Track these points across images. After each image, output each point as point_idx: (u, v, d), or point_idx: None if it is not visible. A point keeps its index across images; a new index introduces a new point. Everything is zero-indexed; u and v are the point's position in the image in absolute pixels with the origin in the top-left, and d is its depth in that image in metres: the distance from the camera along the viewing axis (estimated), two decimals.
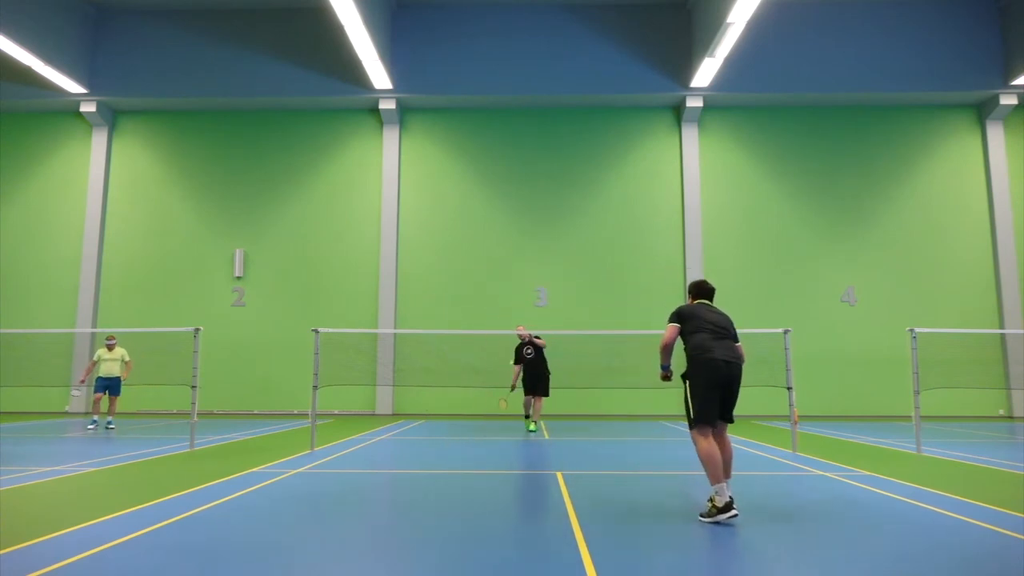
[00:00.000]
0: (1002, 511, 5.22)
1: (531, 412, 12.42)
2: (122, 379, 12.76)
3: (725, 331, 5.26)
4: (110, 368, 12.61)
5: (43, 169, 18.76)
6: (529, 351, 12.26)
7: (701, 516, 4.89)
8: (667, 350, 5.38)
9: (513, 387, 12.38)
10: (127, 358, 12.87)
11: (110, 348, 12.72)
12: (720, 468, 4.88)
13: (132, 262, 18.37)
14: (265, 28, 18.15)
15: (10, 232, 18.49)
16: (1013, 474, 7.31)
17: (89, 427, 12.43)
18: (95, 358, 12.82)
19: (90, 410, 17.50)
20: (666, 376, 5.43)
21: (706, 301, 5.55)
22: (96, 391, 12.62)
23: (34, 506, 5.52)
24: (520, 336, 12.40)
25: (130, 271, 18.33)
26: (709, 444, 4.96)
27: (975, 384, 15.72)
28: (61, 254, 18.32)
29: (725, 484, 4.82)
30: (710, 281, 5.68)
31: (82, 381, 13.35)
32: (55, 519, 4.87)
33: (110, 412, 12.72)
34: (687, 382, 5.19)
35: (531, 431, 12.16)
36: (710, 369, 5.05)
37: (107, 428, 12.63)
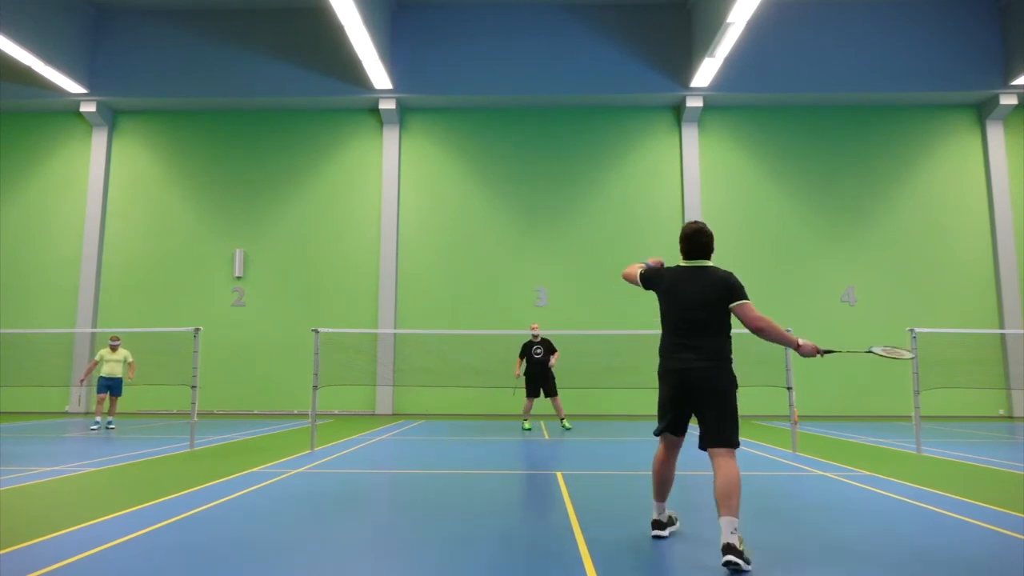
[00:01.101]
0: (1002, 511, 5.22)
1: (528, 414, 12.68)
2: (125, 380, 12.74)
3: (692, 325, 4.13)
4: (112, 369, 12.58)
5: (43, 169, 18.76)
6: (538, 351, 12.45)
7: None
8: (630, 280, 4.54)
9: (518, 375, 12.53)
10: (131, 359, 12.83)
11: (113, 349, 12.69)
12: (664, 488, 4.35)
13: (132, 262, 18.37)
14: (265, 28, 18.14)
15: (10, 232, 18.49)
16: (1013, 474, 7.31)
17: (92, 428, 12.40)
18: (97, 358, 12.78)
19: (90, 410, 17.56)
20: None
21: (696, 262, 4.26)
22: (98, 391, 12.59)
23: (34, 506, 5.52)
24: (533, 334, 12.51)
25: (130, 271, 18.33)
26: (657, 460, 4.36)
27: (975, 384, 15.72)
28: (61, 254, 18.31)
29: (661, 504, 4.38)
30: (707, 229, 4.29)
31: (81, 381, 13.26)
32: (55, 519, 4.87)
33: (111, 412, 12.71)
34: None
35: (567, 428, 12.53)
36: (662, 379, 4.29)
37: (107, 428, 12.63)
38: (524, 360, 12.48)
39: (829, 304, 17.66)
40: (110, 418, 12.73)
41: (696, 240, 4.24)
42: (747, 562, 3.68)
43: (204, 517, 4.98)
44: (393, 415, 17.31)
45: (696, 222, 4.33)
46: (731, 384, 4.15)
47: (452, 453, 9.40)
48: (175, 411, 17.22)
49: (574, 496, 5.93)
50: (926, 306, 17.37)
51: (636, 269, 4.49)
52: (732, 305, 4.09)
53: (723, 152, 18.42)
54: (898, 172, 18.14)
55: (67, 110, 18.64)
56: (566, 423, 12.65)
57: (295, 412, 17.23)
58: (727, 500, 3.85)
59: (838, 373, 17.19)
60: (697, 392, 4.08)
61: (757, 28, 16.69)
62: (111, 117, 18.78)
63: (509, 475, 7.37)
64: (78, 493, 6.15)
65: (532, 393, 12.40)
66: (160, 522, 4.75)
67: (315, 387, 9.33)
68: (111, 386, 12.59)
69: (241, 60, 18.04)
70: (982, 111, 18.04)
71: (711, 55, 15.95)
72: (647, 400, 16.46)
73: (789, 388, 9.52)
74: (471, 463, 8.23)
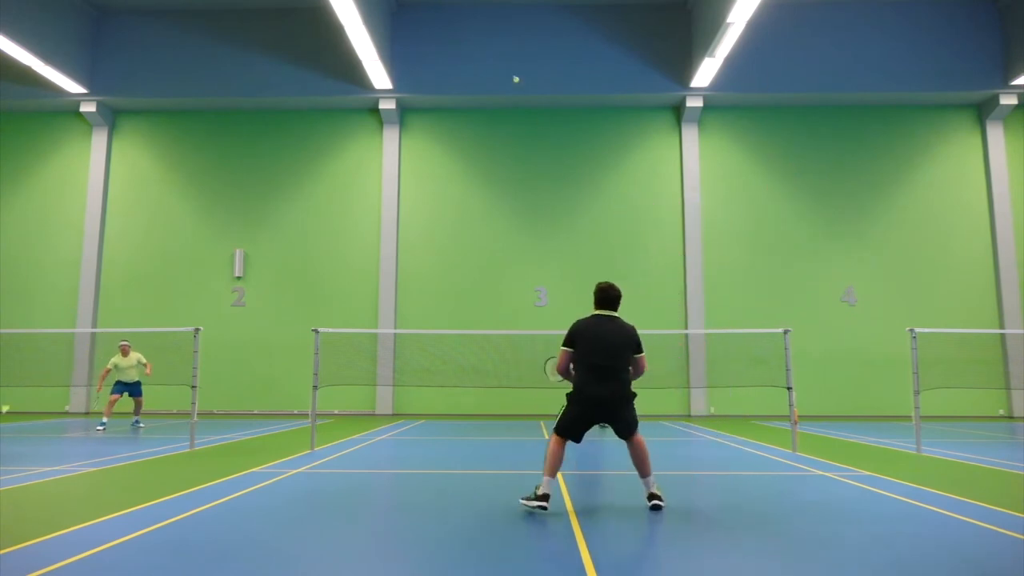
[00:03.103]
0: (1002, 511, 5.22)
1: None
2: (143, 379, 12.73)
3: (611, 365, 5.20)
4: (129, 375, 12.49)
5: (43, 169, 18.76)
6: None
7: (522, 499, 5.18)
8: (566, 376, 5.40)
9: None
10: (144, 360, 12.71)
11: (124, 353, 12.53)
12: (555, 466, 5.17)
13: (132, 262, 18.37)
14: (265, 28, 18.14)
15: (10, 232, 18.49)
16: (1013, 474, 7.31)
17: (99, 428, 12.24)
18: (110, 365, 12.53)
19: (91, 410, 17.57)
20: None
21: (610, 312, 5.42)
22: (113, 392, 12.44)
23: (34, 506, 5.52)
24: None
25: (130, 271, 18.33)
26: (557, 446, 5.22)
27: (975, 384, 15.72)
28: (61, 254, 18.31)
29: (550, 480, 5.11)
30: (617, 286, 5.50)
31: (99, 389, 12.84)
32: (55, 519, 4.87)
33: (136, 412, 12.86)
34: (567, 400, 5.32)
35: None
36: (584, 405, 5.20)
37: (134, 426, 12.75)
38: None
39: (829, 304, 17.66)
40: (136, 418, 12.87)
41: (610, 295, 5.41)
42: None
43: (204, 517, 4.97)
44: (393, 415, 17.31)
45: (607, 282, 5.55)
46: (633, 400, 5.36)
47: (452, 453, 9.40)
48: (175, 411, 17.21)
49: (574, 496, 5.93)
50: (926, 306, 17.37)
51: (560, 358, 5.37)
52: (637, 356, 5.36)
53: (723, 152, 18.42)
54: (898, 172, 18.14)
55: (67, 110, 18.63)
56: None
57: (295, 412, 17.23)
58: (644, 464, 5.30)
59: (838, 373, 17.21)
60: (617, 411, 5.24)
61: (757, 28, 16.70)
62: (111, 117, 18.78)
63: (509, 475, 7.37)
64: (78, 493, 6.15)
65: None
66: (160, 522, 4.75)
67: (315, 387, 9.33)
68: (129, 389, 12.51)
69: (241, 60, 18.04)
70: (982, 111, 18.03)
71: (711, 55, 15.95)
72: (647, 400, 16.48)
73: (789, 388, 9.52)
74: (471, 463, 8.23)
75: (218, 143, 18.84)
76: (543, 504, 4.99)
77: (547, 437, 11.55)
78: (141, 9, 18.28)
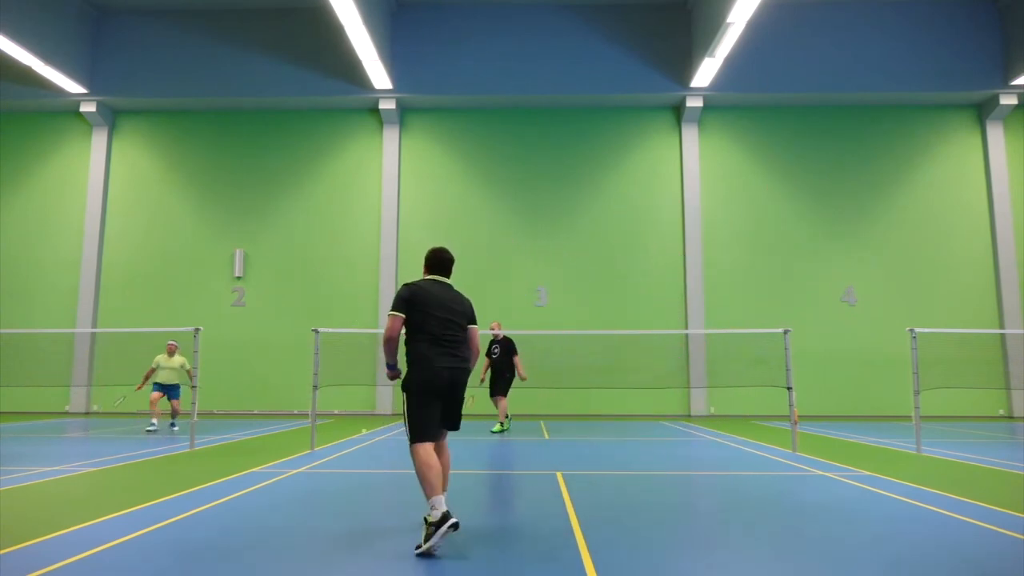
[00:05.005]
0: (1002, 511, 5.22)
1: (499, 414, 12.32)
2: (181, 386, 12.52)
3: (455, 337, 4.57)
4: (168, 376, 12.26)
5: (43, 169, 18.76)
6: (495, 351, 12.19)
7: (422, 545, 4.07)
8: (390, 345, 4.60)
9: (482, 380, 12.28)
10: (188, 366, 12.30)
11: (170, 353, 12.32)
12: (439, 479, 4.27)
13: (132, 262, 18.37)
14: (265, 28, 18.15)
15: (10, 232, 18.49)
16: (1013, 474, 7.31)
17: (149, 429, 12.04)
18: (153, 364, 12.28)
19: (92, 409, 17.58)
20: (394, 375, 4.74)
21: (441, 278, 4.75)
22: (154, 391, 12.27)
23: (34, 506, 5.52)
24: (494, 333, 12.20)
25: (130, 271, 18.33)
26: (428, 455, 4.34)
27: (975, 384, 15.73)
28: (61, 254, 18.31)
29: (442, 497, 4.19)
30: (450, 251, 4.87)
31: (139, 388, 12.46)
32: (55, 519, 4.87)
33: (173, 415, 12.59)
34: (405, 394, 4.49)
35: (494, 432, 12.15)
36: (429, 380, 4.45)
37: (170, 428, 12.47)
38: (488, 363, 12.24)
39: (829, 304, 17.66)
40: (172, 420, 12.60)
41: (446, 258, 4.80)
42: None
43: (204, 517, 4.98)
44: (393, 415, 17.31)
45: (439, 246, 4.88)
46: None
47: (452, 453, 9.38)
48: None
49: (574, 496, 5.93)
50: (926, 306, 17.37)
51: (389, 324, 4.58)
52: (472, 325, 4.74)
53: (723, 152, 18.43)
54: (898, 172, 18.14)
55: (67, 110, 18.63)
56: (497, 427, 12.29)
57: (295, 412, 17.23)
58: (447, 478, 4.53)
59: (838, 373, 17.21)
60: (459, 389, 4.57)
61: (757, 28, 16.70)
62: (111, 117, 18.78)
63: (509, 475, 7.37)
64: (78, 493, 6.15)
65: (491, 392, 12.26)
66: (160, 522, 4.75)
67: (315, 387, 9.32)
68: (167, 391, 12.32)
69: (241, 60, 18.04)
70: (982, 111, 18.04)
71: (711, 55, 15.95)
72: (646, 400, 16.54)
73: (789, 388, 9.52)
74: (471, 463, 8.22)
75: (218, 143, 18.85)
76: (452, 523, 4.03)
77: (547, 436, 11.55)
78: (141, 9, 18.28)
